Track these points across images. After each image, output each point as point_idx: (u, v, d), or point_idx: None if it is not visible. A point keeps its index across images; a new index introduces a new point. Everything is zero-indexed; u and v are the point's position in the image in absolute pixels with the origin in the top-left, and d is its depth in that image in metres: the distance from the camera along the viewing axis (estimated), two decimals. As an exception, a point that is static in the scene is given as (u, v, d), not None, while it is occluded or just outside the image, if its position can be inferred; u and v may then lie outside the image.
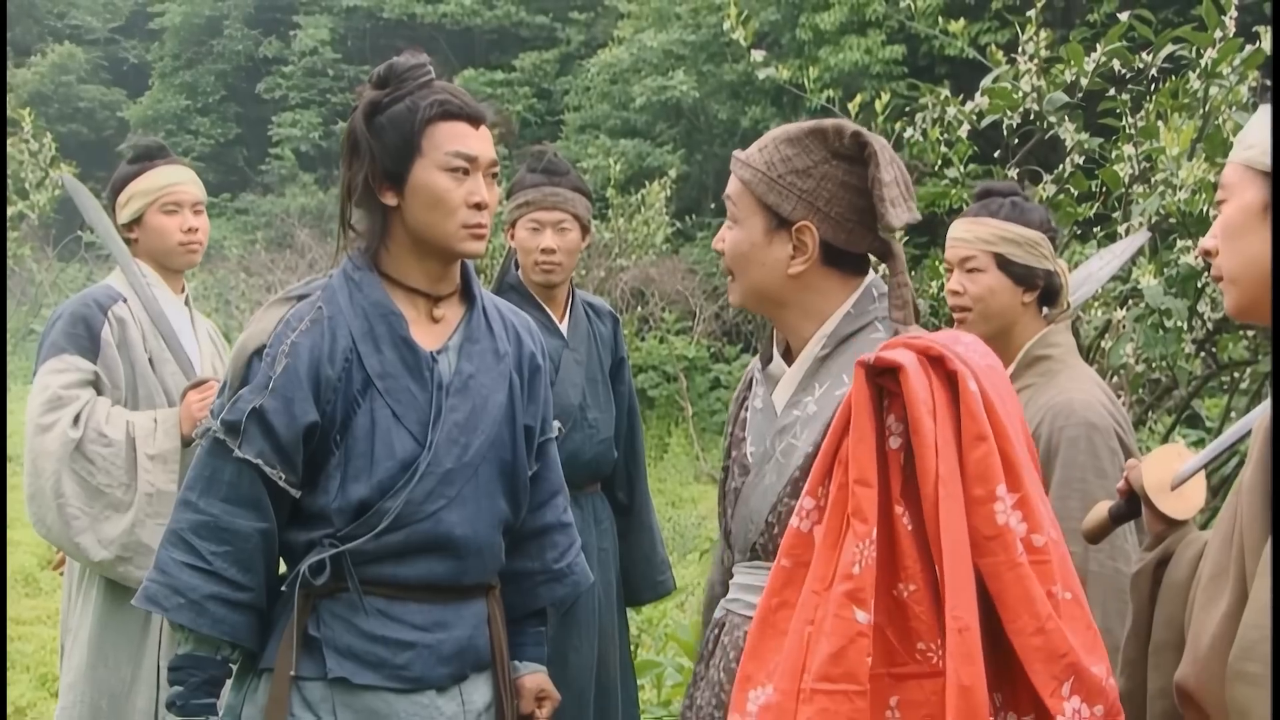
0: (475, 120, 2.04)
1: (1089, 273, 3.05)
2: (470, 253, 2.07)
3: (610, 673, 3.28)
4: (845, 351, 1.86)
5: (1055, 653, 1.48)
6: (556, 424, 2.36)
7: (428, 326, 2.11)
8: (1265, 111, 1.44)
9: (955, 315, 2.58)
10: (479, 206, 2.03)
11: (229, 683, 2.10)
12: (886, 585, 1.53)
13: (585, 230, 3.29)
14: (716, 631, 1.99)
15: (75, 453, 2.79)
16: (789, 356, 1.96)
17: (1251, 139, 1.43)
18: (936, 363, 1.55)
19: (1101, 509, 1.96)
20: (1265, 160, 1.39)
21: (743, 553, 1.96)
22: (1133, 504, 1.86)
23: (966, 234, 2.53)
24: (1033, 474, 1.57)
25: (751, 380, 2.05)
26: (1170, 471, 1.78)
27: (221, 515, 2.00)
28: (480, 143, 2.04)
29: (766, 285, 1.90)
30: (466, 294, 2.18)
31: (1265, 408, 1.70)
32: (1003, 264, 2.49)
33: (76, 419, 2.80)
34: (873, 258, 1.97)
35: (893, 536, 1.54)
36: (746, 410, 2.02)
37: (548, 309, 3.24)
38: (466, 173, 2.03)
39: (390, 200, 2.05)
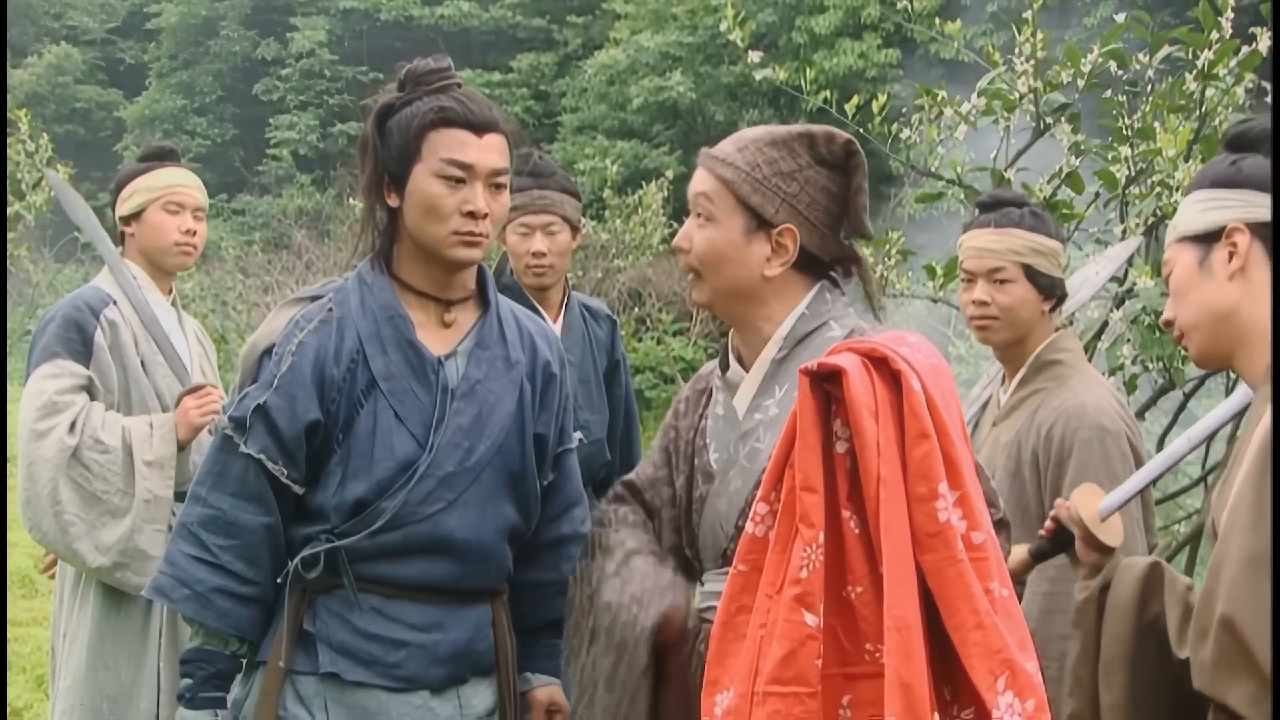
0: (478, 129, 2.03)
1: (1085, 277, 3.06)
2: (462, 260, 2.06)
3: None
4: (802, 353, 1.88)
5: (991, 648, 1.51)
6: (578, 435, 2.34)
7: (438, 331, 2.11)
8: (1184, 203, 1.78)
9: (977, 324, 2.59)
10: (472, 215, 2.02)
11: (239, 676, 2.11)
12: (836, 588, 1.57)
13: (575, 231, 3.28)
14: (694, 641, 1.98)
15: (72, 459, 2.78)
16: (744, 362, 1.97)
17: (1178, 222, 1.77)
18: (880, 364, 1.58)
19: (1020, 550, 2.08)
20: (1190, 229, 1.73)
21: (713, 560, 1.95)
22: (1055, 541, 2.02)
23: (995, 245, 2.53)
24: (972, 473, 1.60)
25: (707, 388, 2.05)
26: (1093, 507, 1.94)
27: (229, 510, 2.01)
28: (480, 152, 2.03)
29: (740, 285, 1.91)
30: (482, 300, 2.18)
31: (1200, 429, 1.92)
32: (1031, 275, 2.52)
33: (73, 425, 2.79)
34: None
35: (840, 540, 1.57)
36: (707, 419, 2.02)
37: (541, 310, 3.24)
38: (462, 181, 2.02)
39: (394, 202, 2.07)
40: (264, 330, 2.10)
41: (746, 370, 1.96)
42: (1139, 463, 2.43)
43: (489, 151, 2.04)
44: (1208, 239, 1.70)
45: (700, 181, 1.93)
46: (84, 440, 2.79)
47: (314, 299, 2.12)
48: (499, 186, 2.06)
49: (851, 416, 1.54)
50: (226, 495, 2.02)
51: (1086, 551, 1.94)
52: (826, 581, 1.54)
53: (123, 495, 2.81)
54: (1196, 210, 1.73)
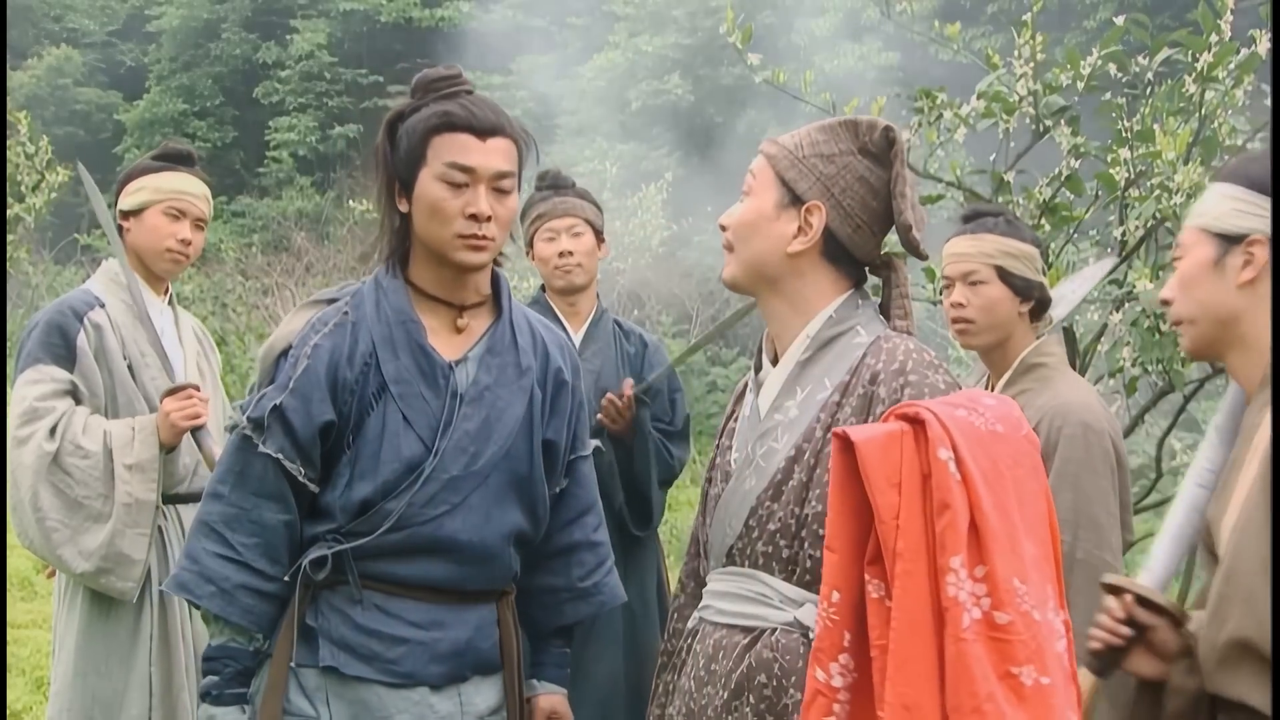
0: (481, 133, 2.05)
1: (1061, 294, 3.09)
2: (467, 263, 2.09)
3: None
4: (826, 355, 1.89)
5: None
6: (595, 442, 2.36)
7: (450, 336, 2.14)
8: (1215, 188, 1.75)
9: (957, 328, 2.69)
10: (475, 218, 2.04)
11: None
12: (865, 646, 1.57)
13: (599, 235, 3.41)
14: (689, 640, 1.99)
15: (52, 465, 2.77)
16: (777, 361, 1.97)
17: (1204, 209, 1.74)
18: (920, 427, 1.56)
19: None
20: (1216, 225, 1.71)
21: (718, 559, 1.95)
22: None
23: (969, 249, 2.66)
24: (1018, 549, 1.54)
25: (744, 389, 2.06)
26: None
27: (251, 508, 2.05)
28: (483, 155, 2.05)
29: (764, 259, 1.92)
30: (496, 306, 2.20)
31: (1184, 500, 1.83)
32: (1004, 276, 2.65)
33: (53, 431, 2.78)
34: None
35: (860, 601, 1.58)
36: (736, 420, 2.03)
37: (565, 321, 3.31)
38: (465, 184, 2.04)
39: (404, 207, 2.10)
40: (282, 331, 2.14)
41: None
42: (1122, 463, 2.55)
43: (492, 155, 2.05)
44: (1228, 240, 1.70)
45: (754, 163, 1.97)
46: (64, 445, 2.78)
47: (330, 301, 2.16)
48: (504, 190, 2.08)
49: (867, 488, 1.54)
50: (248, 493, 2.05)
51: None
52: (855, 640, 1.55)
53: (104, 500, 2.80)
54: (1226, 206, 1.71)
